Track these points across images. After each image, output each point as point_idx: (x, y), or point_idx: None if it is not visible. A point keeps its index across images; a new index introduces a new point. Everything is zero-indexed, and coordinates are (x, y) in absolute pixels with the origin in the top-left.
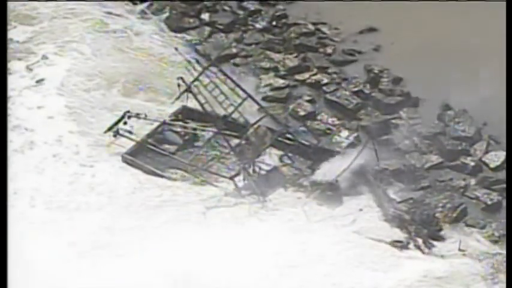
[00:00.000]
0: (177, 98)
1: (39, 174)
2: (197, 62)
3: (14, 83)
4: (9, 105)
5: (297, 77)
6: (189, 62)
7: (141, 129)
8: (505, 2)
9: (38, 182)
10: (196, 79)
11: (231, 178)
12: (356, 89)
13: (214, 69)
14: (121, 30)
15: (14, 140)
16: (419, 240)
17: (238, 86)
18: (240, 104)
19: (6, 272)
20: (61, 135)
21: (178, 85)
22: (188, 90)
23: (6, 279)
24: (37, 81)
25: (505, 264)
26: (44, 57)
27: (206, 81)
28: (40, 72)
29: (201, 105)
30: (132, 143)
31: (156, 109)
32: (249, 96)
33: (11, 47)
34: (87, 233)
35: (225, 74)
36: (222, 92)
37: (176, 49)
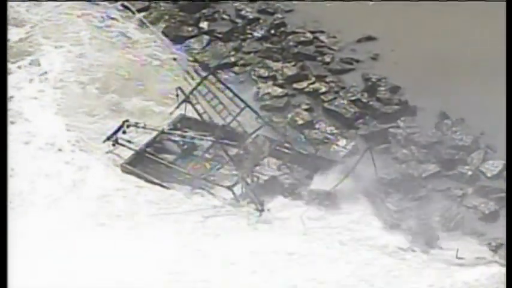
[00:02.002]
0: (176, 108)
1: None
2: (195, 71)
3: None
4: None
5: (295, 85)
6: (187, 72)
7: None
8: (505, 2)
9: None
10: (194, 89)
11: (229, 188)
12: (354, 98)
13: (212, 78)
14: (119, 32)
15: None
16: (417, 250)
17: (236, 95)
18: (238, 114)
19: (6, 263)
20: (57, 130)
21: (177, 95)
22: (186, 100)
23: (6, 272)
24: (37, 77)
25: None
26: (39, 55)
27: (204, 91)
28: (36, 70)
29: (200, 115)
30: (131, 152)
31: (153, 110)
32: (247, 106)
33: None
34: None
35: (223, 84)
36: (220, 102)
37: (175, 59)
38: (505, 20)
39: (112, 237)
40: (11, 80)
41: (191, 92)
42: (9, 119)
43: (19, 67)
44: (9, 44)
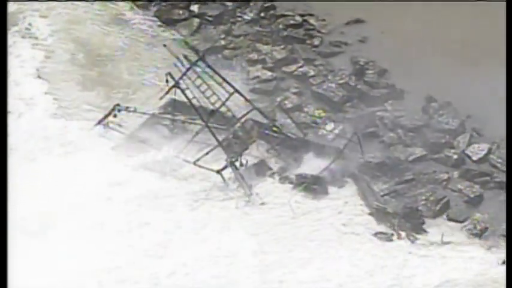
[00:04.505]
0: (166, 94)
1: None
2: (185, 57)
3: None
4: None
5: (285, 69)
6: (177, 57)
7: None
8: (505, 2)
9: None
10: (183, 75)
11: (218, 172)
12: (342, 81)
13: (202, 64)
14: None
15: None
16: (402, 234)
17: (225, 80)
18: (227, 99)
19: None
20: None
21: (167, 80)
22: (176, 85)
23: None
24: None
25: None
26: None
27: (194, 77)
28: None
29: (189, 100)
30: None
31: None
32: (236, 91)
33: None
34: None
35: (212, 69)
36: (209, 87)
37: (165, 45)
38: (505, 20)
39: (103, 226)
40: None
41: (180, 78)
42: None
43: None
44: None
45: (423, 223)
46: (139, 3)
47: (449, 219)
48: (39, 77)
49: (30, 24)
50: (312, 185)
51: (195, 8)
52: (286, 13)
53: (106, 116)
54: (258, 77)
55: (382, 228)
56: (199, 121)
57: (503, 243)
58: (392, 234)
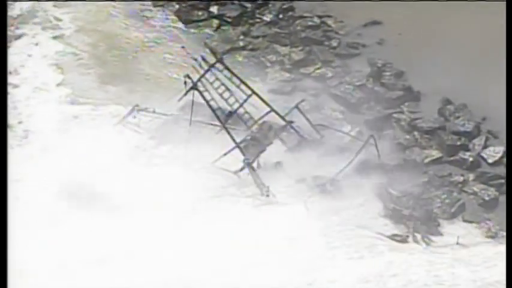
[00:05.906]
0: (184, 95)
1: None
2: (203, 59)
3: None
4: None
5: (302, 70)
6: (195, 59)
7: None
8: (505, 2)
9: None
10: (201, 77)
11: (236, 173)
12: (359, 83)
13: (220, 66)
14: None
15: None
16: (418, 236)
17: (243, 82)
18: (244, 101)
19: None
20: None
21: (185, 82)
22: (194, 87)
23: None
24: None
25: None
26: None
27: (212, 79)
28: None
29: (207, 102)
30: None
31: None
32: (254, 93)
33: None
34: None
35: (230, 71)
36: (227, 89)
37: (183, 47)
38: (505, 20)
39: (119, 224)
40: (23, 41)
41: (199, 80)
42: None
43: (30, 29)
44: (18, 12)
45: (438, 225)
46: (160, 2)
47: (465, 222)
48: (59, 68)
49: (47, 13)
50: (328, 187)
51: (214, 9)
52: (304, 15)
53: (126, 116)
54: (276, 78)
55: (397, 230)
56: (216, 123)
57: None
58: (407, 236)
